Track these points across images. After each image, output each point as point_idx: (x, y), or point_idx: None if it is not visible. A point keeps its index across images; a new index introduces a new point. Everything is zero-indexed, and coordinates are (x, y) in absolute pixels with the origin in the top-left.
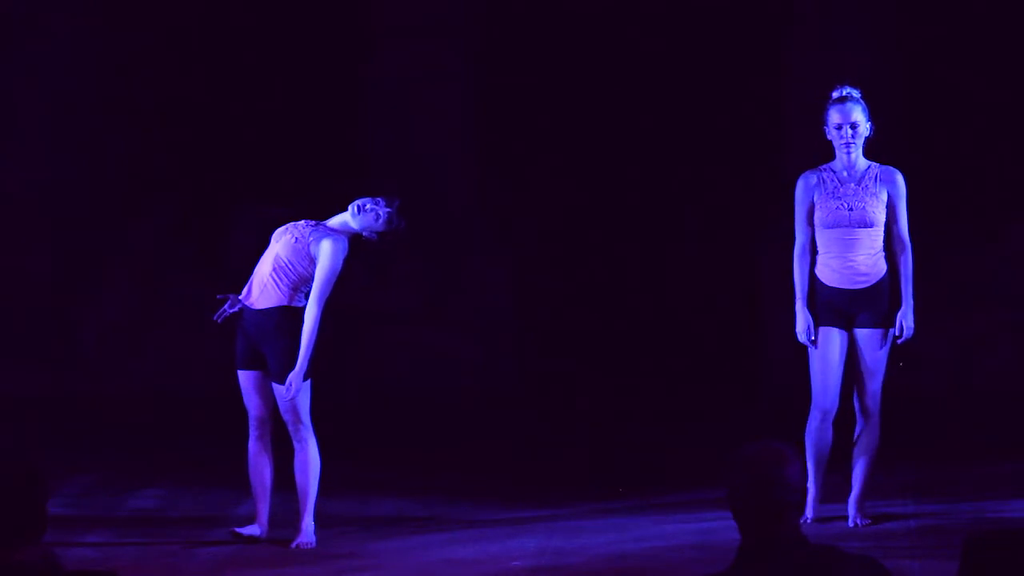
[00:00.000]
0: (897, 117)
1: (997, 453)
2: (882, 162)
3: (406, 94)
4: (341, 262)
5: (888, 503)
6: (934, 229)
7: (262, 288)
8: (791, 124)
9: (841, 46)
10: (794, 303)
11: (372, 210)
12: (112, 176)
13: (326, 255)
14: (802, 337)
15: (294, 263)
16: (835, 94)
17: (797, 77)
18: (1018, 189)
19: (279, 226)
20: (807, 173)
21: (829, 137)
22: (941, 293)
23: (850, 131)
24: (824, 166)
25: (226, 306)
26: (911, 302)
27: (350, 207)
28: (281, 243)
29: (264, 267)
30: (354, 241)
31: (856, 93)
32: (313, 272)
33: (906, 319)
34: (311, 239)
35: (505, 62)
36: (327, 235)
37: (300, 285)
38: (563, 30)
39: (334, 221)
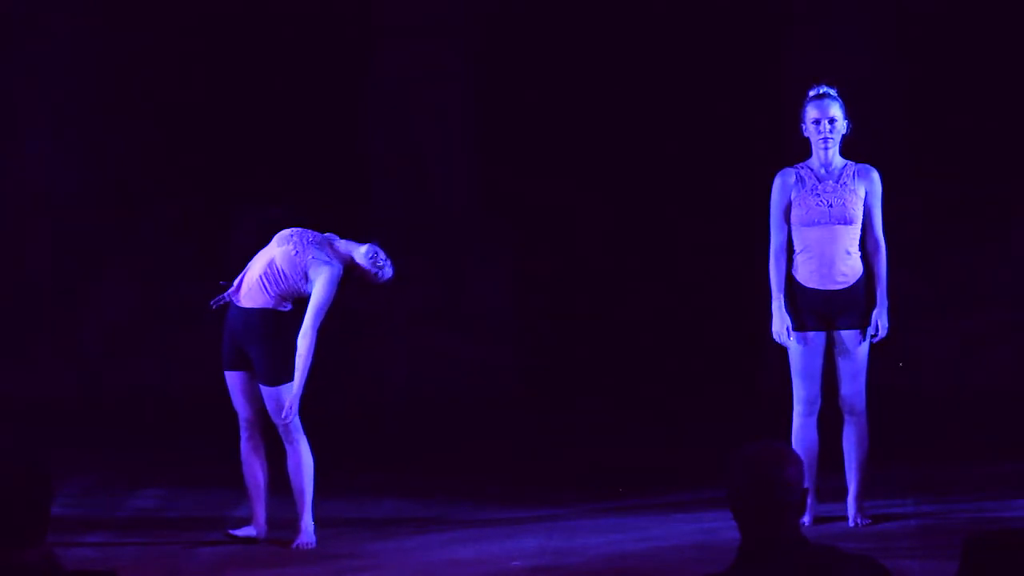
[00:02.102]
0: (897, 117)
1: (997, 453)
2: (883, 161)
3: (406, 94)
4: (336, 289)
5: (888, 503)
6: (934, 229)
7: (249, 287)
8: (791, 125)
9: (841, 46)
10: (771, 302)
11: (380, 266)
12: (112, 176)
13: (324, 283)
14: (779, 338)
15: (288, 274)
16: (812, 92)
17: (797, 77)
18: (1018, 189)
19: (283, 227)
20: (784, 170)
21: (806, 134)
22: (941, 293)
23: (828, 126)
24: (801, 164)
25: (225, 294)
26: (886, 302)
27: (368, 247)
28: (281, 251)
29: (256, 268)
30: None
31: (833, 91)
32: (304, 288)
33: (881, 319)
34: (311, 258)
35: (505, 62)
36: (328, 262)
37: (288, 295)
38: (563, 31)
39: (341, 244)
